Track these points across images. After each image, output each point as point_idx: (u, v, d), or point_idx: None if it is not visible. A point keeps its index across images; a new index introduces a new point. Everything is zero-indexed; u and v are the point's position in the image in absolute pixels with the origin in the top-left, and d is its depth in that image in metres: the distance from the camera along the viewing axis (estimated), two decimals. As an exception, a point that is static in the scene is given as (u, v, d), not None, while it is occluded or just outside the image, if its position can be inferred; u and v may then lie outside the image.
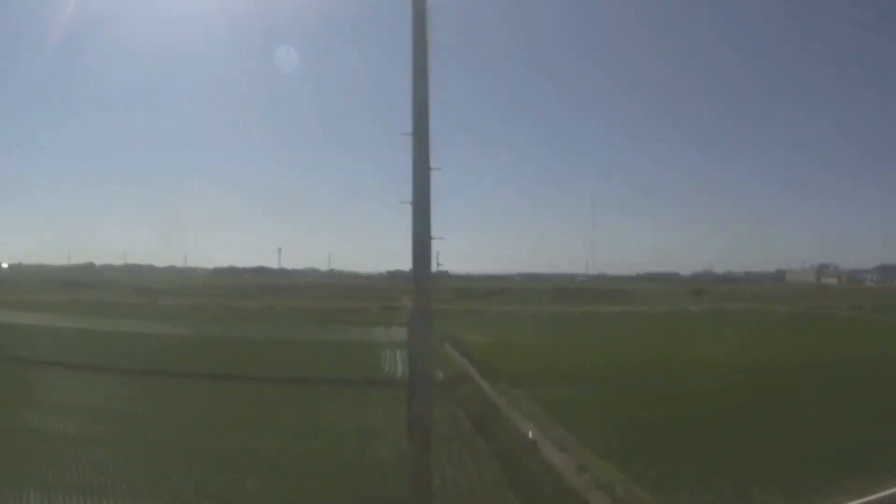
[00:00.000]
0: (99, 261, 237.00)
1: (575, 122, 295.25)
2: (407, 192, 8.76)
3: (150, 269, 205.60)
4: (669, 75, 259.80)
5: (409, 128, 8.95)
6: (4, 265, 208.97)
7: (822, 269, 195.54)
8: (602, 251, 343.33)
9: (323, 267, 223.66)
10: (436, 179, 9.08)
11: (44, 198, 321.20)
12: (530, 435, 21.57)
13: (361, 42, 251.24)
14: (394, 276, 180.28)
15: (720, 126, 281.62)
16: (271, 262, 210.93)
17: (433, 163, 9.03)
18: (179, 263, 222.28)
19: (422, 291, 9.10)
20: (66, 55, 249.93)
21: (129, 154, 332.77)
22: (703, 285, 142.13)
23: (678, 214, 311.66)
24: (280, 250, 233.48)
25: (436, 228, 9.07)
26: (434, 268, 9.70)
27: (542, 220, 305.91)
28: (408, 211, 9.06)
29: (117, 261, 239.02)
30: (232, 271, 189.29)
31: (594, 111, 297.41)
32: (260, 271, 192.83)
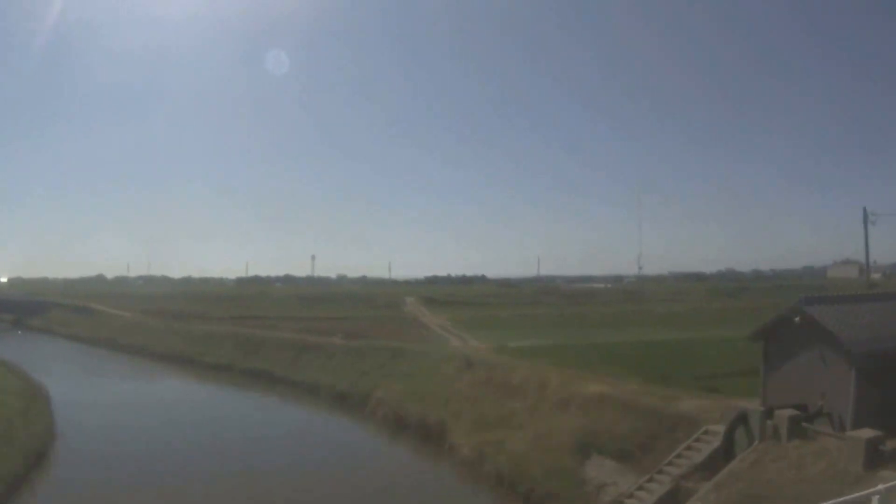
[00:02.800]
0: (98, 272, 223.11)
1: (586, 123, 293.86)
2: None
3: (166, 280, 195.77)
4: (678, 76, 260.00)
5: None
6: (3, 279, 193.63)
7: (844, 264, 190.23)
8: (617, 253, 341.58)
9: (352, 274, 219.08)
10: None
11: (34, 209, 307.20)
12: None
13: (353, 43, 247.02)
14: (432, 280, 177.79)
15: (725, 124, 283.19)
16: (297, 271, 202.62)
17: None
18: (175, 274, 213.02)
19: None
20: (52, 64, 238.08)
21: (122, 164, 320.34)
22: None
23: (690, 214, 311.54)
24: (314, 258, 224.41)
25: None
26: None
27: (558, 225, 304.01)
28: None
29: (114, 273, 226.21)
30: (258, 280, 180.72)
31: (607, 113, 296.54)
32: (289, 280, 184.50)
